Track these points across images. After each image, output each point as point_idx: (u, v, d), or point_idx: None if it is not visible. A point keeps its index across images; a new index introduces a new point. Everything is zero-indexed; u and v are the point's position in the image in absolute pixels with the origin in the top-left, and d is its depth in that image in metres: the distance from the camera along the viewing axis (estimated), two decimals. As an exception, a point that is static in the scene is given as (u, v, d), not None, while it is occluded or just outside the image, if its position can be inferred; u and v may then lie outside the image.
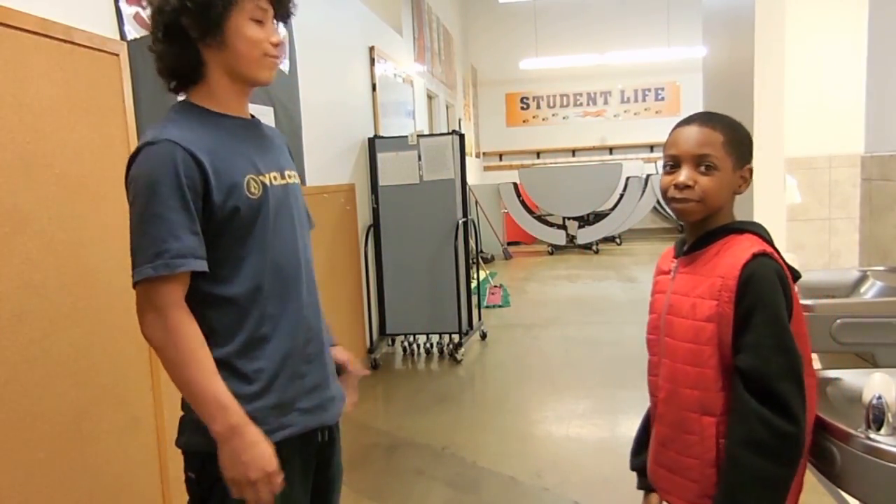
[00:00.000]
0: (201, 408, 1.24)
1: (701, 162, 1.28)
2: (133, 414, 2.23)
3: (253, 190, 1.32)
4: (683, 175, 1.29)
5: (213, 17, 1.28)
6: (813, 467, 1.33)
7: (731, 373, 1.23)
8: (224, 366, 1.29)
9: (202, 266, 1.26)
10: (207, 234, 1.28)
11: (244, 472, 1.23)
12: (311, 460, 1.45)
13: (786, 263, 1.26)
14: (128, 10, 2.26)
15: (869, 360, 1.63)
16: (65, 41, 1.96)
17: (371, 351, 4.94)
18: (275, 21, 1.38)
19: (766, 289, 1.20)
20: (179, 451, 1.38)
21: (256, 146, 1.39)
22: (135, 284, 1.24)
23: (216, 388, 1.24)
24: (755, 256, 1.22)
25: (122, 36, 2.23)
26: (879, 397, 1.21)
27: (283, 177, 1.41)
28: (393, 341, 5.39)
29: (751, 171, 1.31)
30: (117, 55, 2.18)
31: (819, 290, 1.86)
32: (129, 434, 2.21)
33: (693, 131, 1.29)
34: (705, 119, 1.30)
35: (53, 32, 1.91)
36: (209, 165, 1.26)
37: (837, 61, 4.12)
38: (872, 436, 1.19)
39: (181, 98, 1.38)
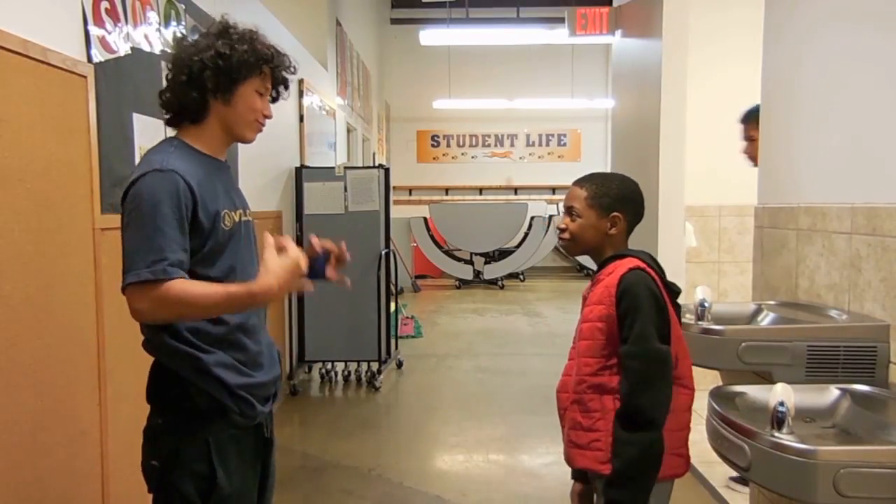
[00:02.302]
0: (240, 306, 1.50)
1: (570, 212, 1.73)
2: (81, 428, 2.25)
3: (227, 222, 1.58)
4: (559, 220, 1.77)
5: (231, 80, 1.56)
6: (726, 462, 1.59)
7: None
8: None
9: (185, 276, 1.46)
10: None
11: (291, 285, 1.49)
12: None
13: (662, 280, 1.64)
14: (95, 33, 2.33)
15: (766, 378, 1.93)
16: (41, 62, 2.02)
17: (290, 377, 4.98)
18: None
19: (636, 293, 1.58)
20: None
21: (229, 186, 1.67)
22: (130, 285, 1.40)
23: (231, 290, 1.46)
24: (630, 270, 1.61)
25: (90, 59, 2.30)
26: (782, 403, 1.49)
27: (245, 214, 1.68)
28: (310, 368, 5.44)
29: (617, 217, 1.69)
30: (85, 77, 2.25)
31: (725, 319, 2.17)
32: (77, 447, 2.22)
33: (570, 189, 1.75)
34: (581, 180, 1.75)
35: (33, 53, 1.97)
36: (199, 196, 1.50)
37: (730, 121, 4.64)
38: (776, 434, 1.47)
39: (171, 134, 1.64)
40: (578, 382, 1.66)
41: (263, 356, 1.66)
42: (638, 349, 1.54)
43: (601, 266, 1.71)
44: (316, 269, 1.67)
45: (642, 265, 1.62)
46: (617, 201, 1.69)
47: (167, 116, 1.63)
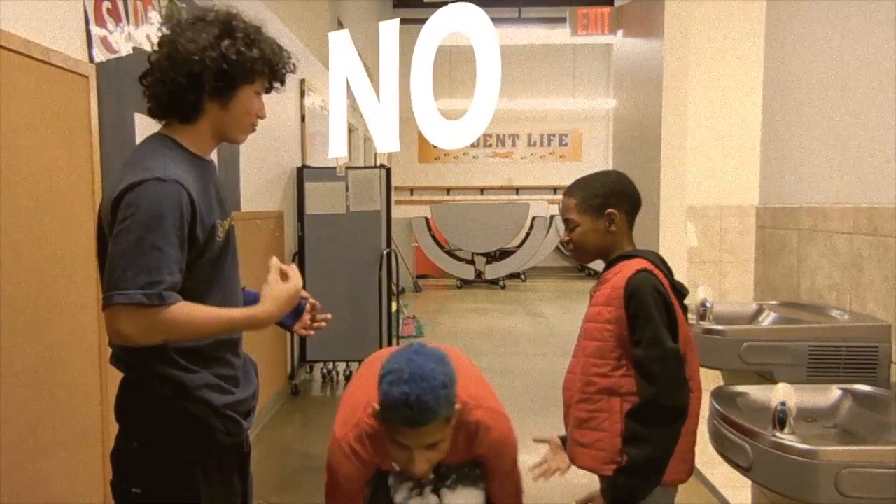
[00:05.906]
0: (238, 331, 1.54)
1: (567, 224, 1.74)
2: (82, 428, 2.25)
3: (220, 234, 1.49)
4: (562, 234, 1.80)
5: (231, 82, 1.46)
6: (728, 462, 1.59)
7: (631, 361, 1.60)
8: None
9: (180, 300, 1.37)
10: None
11: (287, 312, 1.52)
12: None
13: (669, 280, 1.65)
14: (97, 33, 2.33)
15: (768, 378, 1.93)
16: (43, 62, 2.02)
17: (291, 377, 4.98)
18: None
19: (644, 295, 1.57)
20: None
21: (218, 189, 1.56)
22: (117, 304, 1.30)
23: (234, 316, 1.46)
24: (637, 272, 1.61)
25: (91, 59, 2.30)
26: (783, 403, 1.49)
27: (231, 220, 1.59)
28: (311, 368, 5.44)
29: (612, 213, 1.69)
30: (87, 77, 2.25)
31: (726, 319, 2.16)
32: (78, 448, 2.22)
33: (562, 201, 1.76)
34: (567, 190, 1.76)
35: (34, 53, 1.98)
36: (199, 209, 1.41)
37: (731, 122, 4.63)
38: (778, 434, 1.47)
39: (162, 131, 1.51)
40: (586, 383, 1.66)
41: (241, 371, 1.60)
42: (655, 353, 1.54)
43: (608, 266, 1.72)
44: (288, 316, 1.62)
45: (649, 266, 1.63)
46: (608, 198, 1.70)
47: (150, 106, 1.49)
